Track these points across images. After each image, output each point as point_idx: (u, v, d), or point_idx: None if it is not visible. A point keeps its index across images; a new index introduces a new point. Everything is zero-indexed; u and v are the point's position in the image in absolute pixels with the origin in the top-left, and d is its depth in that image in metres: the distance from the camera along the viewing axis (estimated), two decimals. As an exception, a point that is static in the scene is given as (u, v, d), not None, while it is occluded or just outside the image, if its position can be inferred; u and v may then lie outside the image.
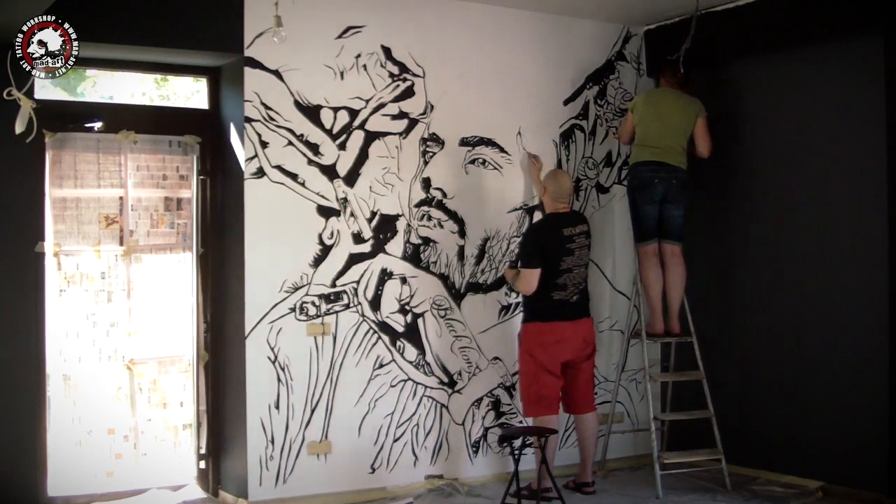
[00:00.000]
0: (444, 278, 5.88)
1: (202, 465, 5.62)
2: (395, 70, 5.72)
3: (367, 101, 5.64)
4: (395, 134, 5.72)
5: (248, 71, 5.28)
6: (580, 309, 5.58)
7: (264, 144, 5.34)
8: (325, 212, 5.51)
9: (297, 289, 5.40)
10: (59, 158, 5.29)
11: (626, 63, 6.56)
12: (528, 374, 5.54)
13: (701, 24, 5.93)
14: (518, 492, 5.09)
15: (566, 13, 6.25)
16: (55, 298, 5.23)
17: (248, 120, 5.29)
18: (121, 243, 5.47)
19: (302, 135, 5.45)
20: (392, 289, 5.70)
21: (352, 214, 5.58)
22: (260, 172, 5.32)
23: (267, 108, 5.33)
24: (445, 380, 5.87)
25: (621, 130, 6.22)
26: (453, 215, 5.91)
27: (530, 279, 5.43)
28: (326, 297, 5.49)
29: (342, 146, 5.56)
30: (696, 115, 5.90)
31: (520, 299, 6.11)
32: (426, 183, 5.83)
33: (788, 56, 5.84)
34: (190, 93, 6.01)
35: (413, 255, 5.77)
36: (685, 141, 5.93)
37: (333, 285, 5.52)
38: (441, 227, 5.88)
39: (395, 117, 5.72)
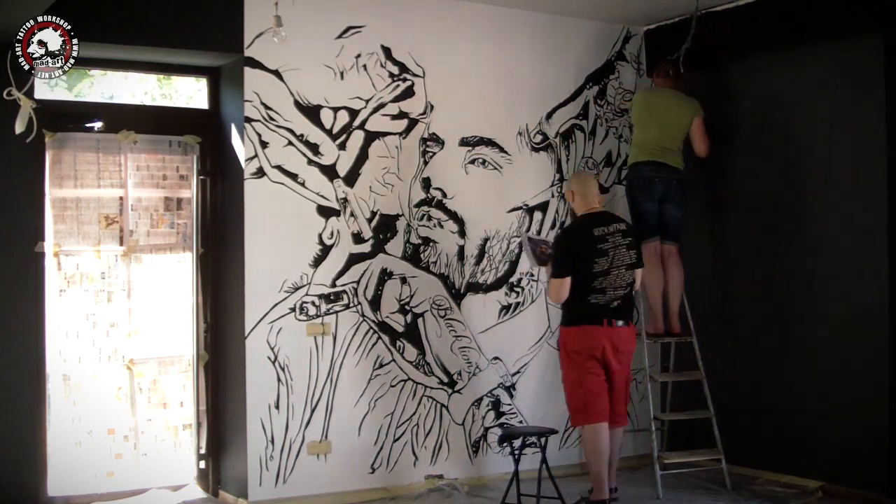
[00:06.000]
0: (444, 278, 5.88)
1: (202, 465, 5.62)
2: (395, 70, 5.72)
3: (367, 101, 5.64)
4: (394, 134, 5.72)
5: (248, 71, 5.28)
6: (619, 314, 5.14)
7: (264, 144, 5.34)
8: (325, 212, 5.51)
9: (297, 289, 5.40)
10: (59, 158, 5.29)
11: (626, 63, 6.57)
12: (571, 381, 5.18)
13: (701, 24, 5.94)
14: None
15: (566, 13, 6.25)
16: (55, 298, 5.23)
17: (248, 120, 5.29)
18: (121, 243, 5.47)
19: (302, 135, 5.44)
20: (392, 289, 5.70)
21: (352, 214, 5.58)
22: (260, 172, 5.32)
23: (267, 108, 5.33)
24: (445, 380, 5.87)
25: None
26: (453, 215, 5.91)
27: (559, 288, 5.10)
28: (326, 297, 5.49)
29: (342, 146, 5.57)
30: (692, 116, 5.91)
31: (519, 299, 6.13)
32: (426, 183, 5.83)
33: (788, 56, 5.84)
34: (192, 92, 6.01)
35: (413, 255, 5.77)
36: (682, 142, 5.94)
37: (333, 285, 5.52)
38: (441, 227, 5.88)
39: (395, 117, 5.72)
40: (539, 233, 6.17)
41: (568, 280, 5.08)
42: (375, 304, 5.64)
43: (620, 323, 5.13)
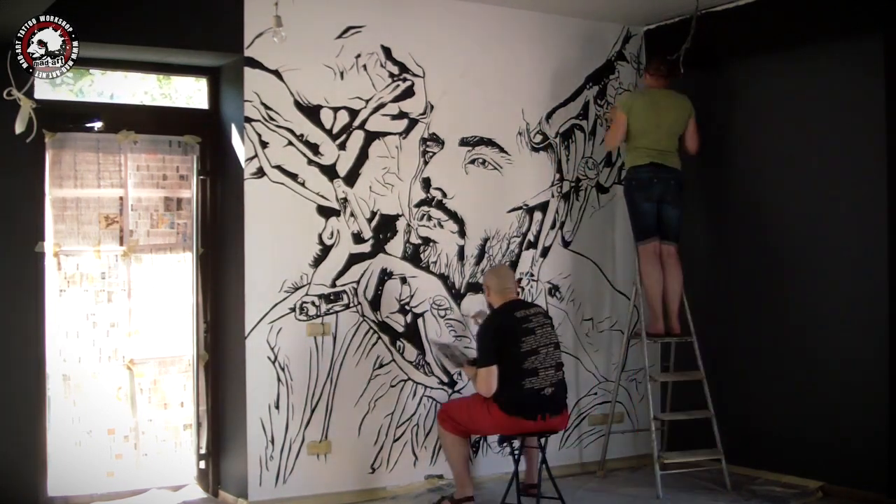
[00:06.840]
0: (444, 278, 5.88)
1: (202, 465, 5.62)
2: (395, 70, 5.72)
3: (367, 101, 5.64)
4: (395, 134, 5.72)
5: (248, 71, 5.28)
6: (553, 405, 4.98)
7: (264, 144, 5.34)
8: (325, 212, 5.51)
9: (297, 289, 5.40)
10: (59, 158, 5.29)
11: (626, 63, 6.56)
12: (466, 414, 5.12)
13: (701, 24, 5.94)
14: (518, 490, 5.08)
15: (566, 13, 6.25)
16: (55, 298, 5.23)
17: (248, 120, 5.29)
18: (121, 243, 5.47)
19: (302, 135, 5.45)
20: (392, 289, 5.70)
21: (352, 214, 5.58)
22: (260, 172, 5.32)
23: (267, 108, 5.33)
24: (445, 380, 5.87)
25: (613, 134, 6.00)
26: (453, 215, 5.91)
27: (488, 379, 4.91)
28: (326, 297, 5.49)
29: (342, 146, 5.57)
30: (688, 116, 5.93)
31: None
32: (426, 183, 5.83)
33: (788, 56, 5.84)
34: (192, 91, 6.01)
35: (413, 255, 5.77)
36: (677, 142, 5.95)
37: (333, 285, 5.52)
38: (441, 227, 5.88)
39: (395, 117, 5.72)
40: (539, 233, 6.17)
41: (495, 369, 4.91)
42: (375, 304, 5.64)
43: (554, 416, 4.99)
